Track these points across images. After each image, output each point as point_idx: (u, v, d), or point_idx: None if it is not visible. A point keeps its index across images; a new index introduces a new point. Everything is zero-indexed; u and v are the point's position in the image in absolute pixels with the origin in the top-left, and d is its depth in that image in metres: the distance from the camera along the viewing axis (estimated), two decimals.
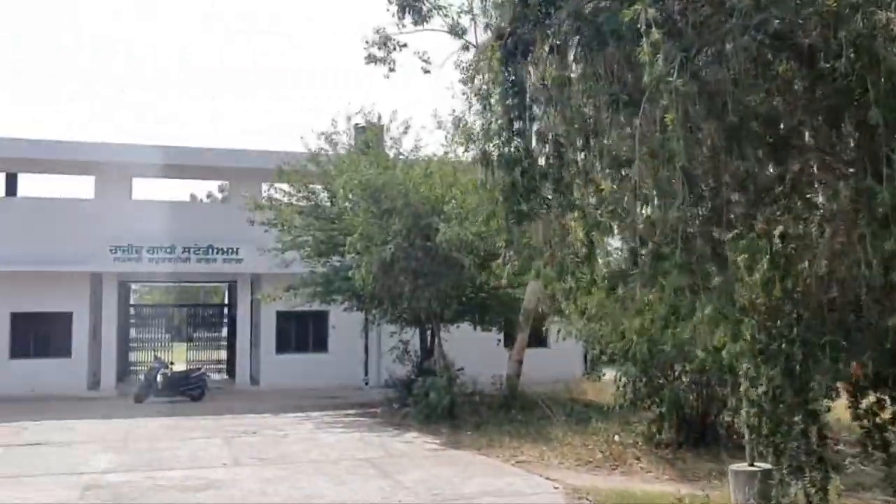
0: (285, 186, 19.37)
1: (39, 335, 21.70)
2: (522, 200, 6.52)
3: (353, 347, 23.77)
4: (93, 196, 22.34)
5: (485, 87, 6.85)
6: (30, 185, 23.24)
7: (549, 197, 6.66)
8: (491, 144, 6.74)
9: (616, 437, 12.03)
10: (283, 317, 23.48)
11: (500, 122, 6.63)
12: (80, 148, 22.01)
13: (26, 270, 20.86)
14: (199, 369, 22.01)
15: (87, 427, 15.07)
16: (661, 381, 11.98)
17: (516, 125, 6.58)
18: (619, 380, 12.39)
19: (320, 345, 24.04)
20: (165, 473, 10.42)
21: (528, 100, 6.57)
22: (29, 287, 21.14)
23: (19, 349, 21.35)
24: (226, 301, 29.84)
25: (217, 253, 22.57)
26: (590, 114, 6.40)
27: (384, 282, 14.41)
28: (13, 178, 22.66)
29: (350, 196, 16.49)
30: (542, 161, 6.73)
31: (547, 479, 10.26)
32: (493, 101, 6.73)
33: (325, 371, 23.41)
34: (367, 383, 23.68)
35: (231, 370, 26.91)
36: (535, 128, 6.74)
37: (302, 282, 17.88)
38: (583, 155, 6.69)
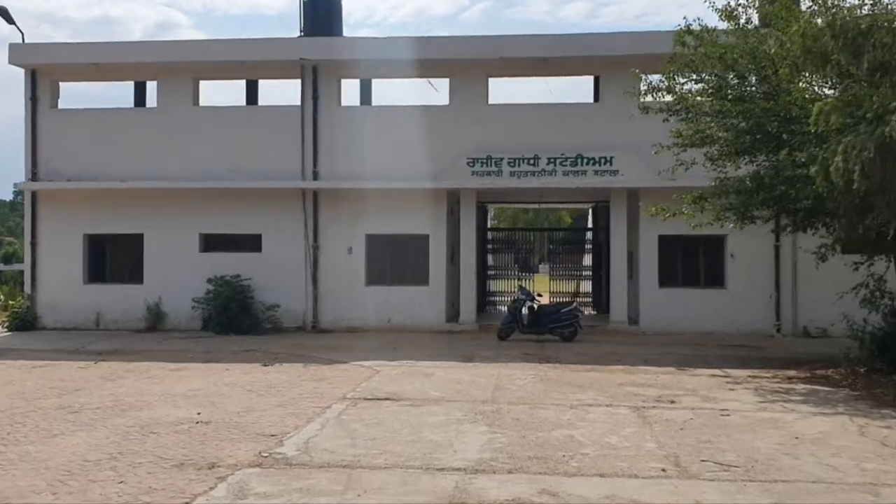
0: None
1: (395, 260, 19.64)
2: None
3: (754, 282, 18.39)
4: (447, 101, 19.45)
5: None
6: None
7: None
8: None
9: None
10: (667, 242, 18.81)
11: None
12: (432, 43, 19.12)
13: (378, 188, 18.70)
14: (572, 303, 18.28)
15: (445, 374, 12.00)
16: None
17: None
18: None
19: (715, 278, 18.96)
20: (569, 484, 6.28)
21: None
22: (381, 206, 19.02)
23: (375, 274, 19.48)
24: (589, 224, 25.89)
25: (587, 163, 18.46)
26: None
27: (883, 174, 8.89)
28: (367, 84, 20.61)
29: (795, 57, 11.04)
30: None
31: None
32: None
33: (720, 312, 18.40)
34: (778, 330, 18.18)
35: (598, 305, 23.04)
36: None
37: (718, 190, 12.94)
38: None
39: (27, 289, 19.83)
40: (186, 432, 8.16)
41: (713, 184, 13.26)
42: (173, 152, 19.40)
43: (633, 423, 8.54)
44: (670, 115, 13.47)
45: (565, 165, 18.47)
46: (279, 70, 19.66)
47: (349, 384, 11.03)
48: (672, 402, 9.75)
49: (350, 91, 21.43)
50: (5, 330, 19.29)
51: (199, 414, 9.03)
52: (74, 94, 64.24)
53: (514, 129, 18.86)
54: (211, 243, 19.71)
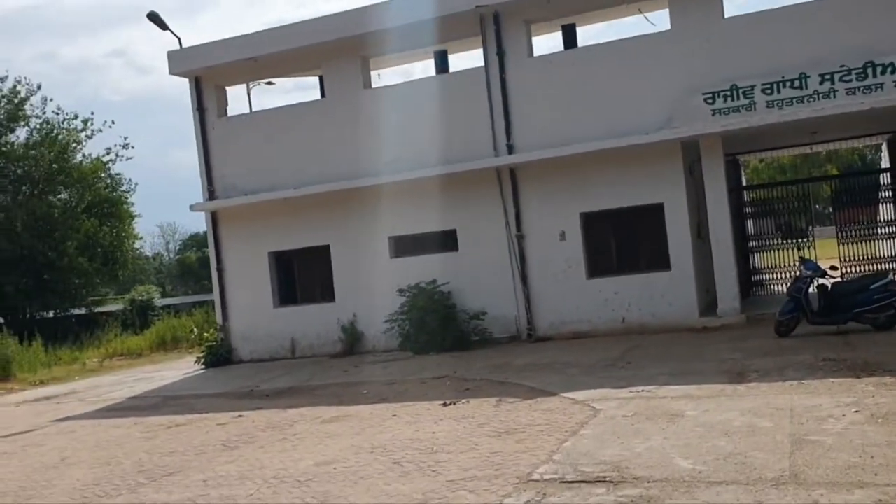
0: None
1: (623, 241, 15.35)
2: None
3: None
4: (668, 27, 14.78)
5: None
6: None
7: None
8: None
9: None
10: None
11: None
12: None
13: (589, 150, 14.52)
14: (884, 274, 12.74)
15: (703, 413, 7.64)
16: None
17: None
18: None
19: None
20: None
21: None
22: (594, 174, 14.83)
23: (598, 263, 15.31)
24: (885, 164, 19.51)
25: (883, 72, 12.89)
26: None
27: None
28: (570, 29, 16.46)
29: None
30: None
31: None
32: None
33: None
34: None
35: None
36: None
37: None
38: None
39: (218, 318, 18.15)
40: None
41: None
42: (348, 146, 16.63)
43: None
44: None
45: (849, 81, 13.04)
46: (454, 27, 16.10)
47: (548, 442, 7.10)
48: None
49: (546, 42, 17.42)
50: (202, 366, 17.70)
51: None
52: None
53: (766, 44, 13.75)
54: (402, 247, 16.72)
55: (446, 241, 16.28)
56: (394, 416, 9.34)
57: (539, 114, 15.28)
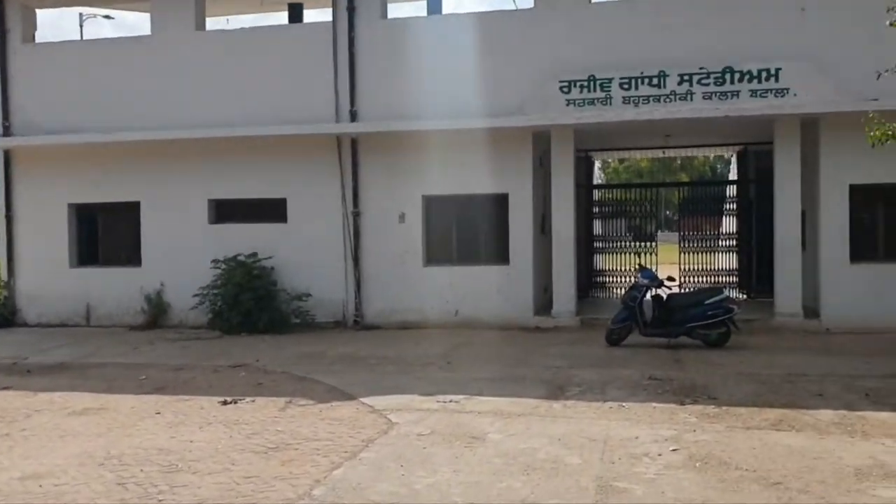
0: None
1: (464, 230, 14.32)
2: None
3: None
4: (531, 4, 13.80)
5: None
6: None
7: None
8: None
9: None
10: (861, 196, 12.69)
11: None
12: None
13: (438, 128, 13.38)
14: (719, 289, 12.30)
15: (507, 437, 6.62)
16: None
17: None
18: None
19: None
20: None
21: None
22: (443, 155, 13.70)
23: (437, 250, 14.23)
24: (732, 176, 19.54)
25: (739, 80, 12.43)
26: None
27: None
28: None
29: None
30: None
31: None
32: None
33: None
34: None
35: (746, 286, 16.95)
36: None
37: None
38: None
39: (3, 274, 15.70)
40: None
41: None
42: (172, 93, 14.66)
43: None
44: None
45: (707, 84, 12.52)
46: None
47: (318, 467, 5.83)
48: None
49: (403, 6, 16.13)
50: None
51: None
52: None
53: (628, 37, 13.03)
54: (224, 212, 14.96)
55: (275, 210, 14.66)
56: (157, 413, 7.79)
57: (389, 83, 13.95)
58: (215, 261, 14.01)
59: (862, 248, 12.75)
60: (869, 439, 6.30)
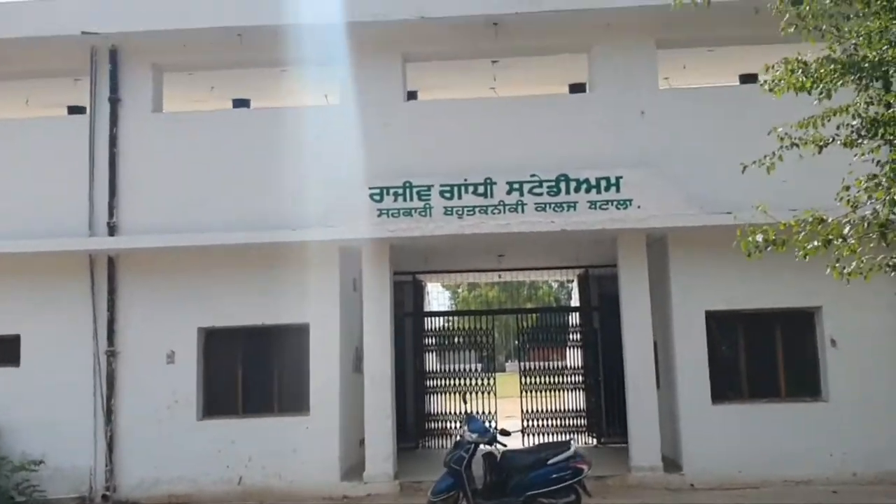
0: None
1: (253, 372, 11.38)
2: None
3: (874, 390, 10.53)
4: (338, 101, 11.68)
5: None
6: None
7: None
8: None
9: None
10: (720, 323, 10.97)
11: None
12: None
13: (212, 244, 10.69)
14: (566, 444, 9.77)
15: None
16: None
17: None
18: None
19: (803, 384, 10.98)
20: None
21: None
22: (224, 276, 10.96)
23: (217, 399, 11.17)
24: (574, 302, 17.71)
25: (576, 189, 10.62)
26: None
27: None
28: None
29: None
30: None
31: None
32: None
33: (815, 442, 10.44)
34: None
35: (596, 429, 14.82)
36: None
37: None
38: None
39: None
40: None
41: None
42: None
43: None
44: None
45: (539, 194, 10.62)
46: (64, 58, 11.70)
47: None
48: None
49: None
50: None
51: None
52: None
53: (451, 138, 11.07)
54: None
55: (6, 350, 11.21)
56: None
57: (161, 188, 11.22)
58: None
59: (724, 386, 10.90)
60: None
